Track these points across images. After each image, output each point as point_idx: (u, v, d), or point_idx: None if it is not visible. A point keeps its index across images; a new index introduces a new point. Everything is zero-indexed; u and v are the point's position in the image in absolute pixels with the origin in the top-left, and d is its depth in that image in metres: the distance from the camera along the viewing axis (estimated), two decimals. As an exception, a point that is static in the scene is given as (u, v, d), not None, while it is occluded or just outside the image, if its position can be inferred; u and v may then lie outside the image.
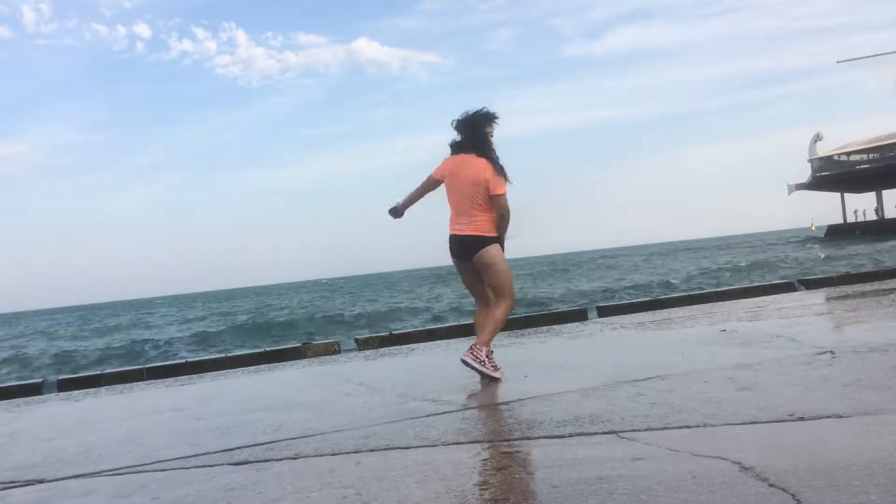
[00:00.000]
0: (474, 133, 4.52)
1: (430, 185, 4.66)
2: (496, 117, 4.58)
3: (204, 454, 3.22)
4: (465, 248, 4.48)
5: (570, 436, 2.91)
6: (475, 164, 4.43)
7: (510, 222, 4.51)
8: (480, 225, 4.42)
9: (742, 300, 8.33)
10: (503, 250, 4.52)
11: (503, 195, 4.43)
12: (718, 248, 59.55)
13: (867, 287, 8.47)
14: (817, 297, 7.98)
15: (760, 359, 4.23)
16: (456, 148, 4.58)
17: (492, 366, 4.41)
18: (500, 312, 4.49)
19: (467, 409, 3.63)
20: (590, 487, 2.24)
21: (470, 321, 9.97)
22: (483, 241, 4.43)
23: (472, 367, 4.35)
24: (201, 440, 3.53)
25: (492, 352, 4.51)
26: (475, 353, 4.38)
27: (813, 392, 3.28)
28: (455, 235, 4.51)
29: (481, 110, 4.55)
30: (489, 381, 4.33)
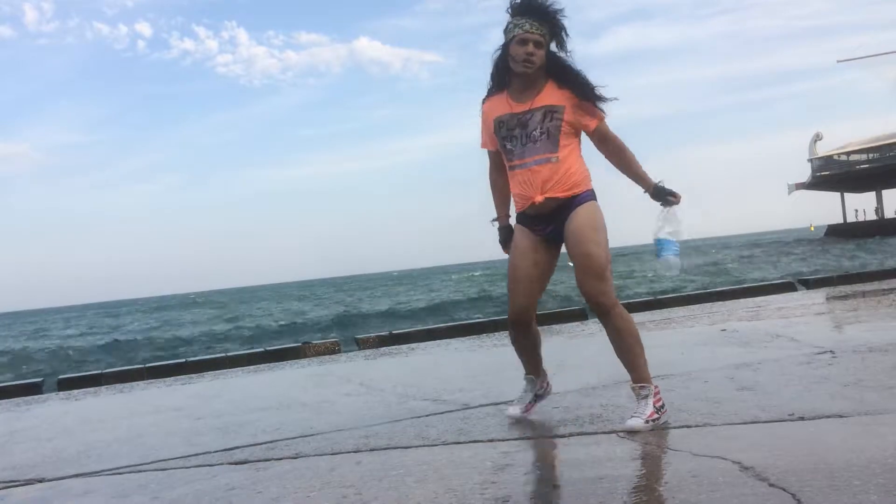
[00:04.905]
0: None
1: None
2: (510, 12, 3.03)
3: (204, 453, 3.22)
4: None
5: (570, 435, 2.91)
6: None
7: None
8: None
9: (742, 300, 8.33)
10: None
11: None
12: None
13: (867, 287, 8.47)
14: (817, 296, 7.98)
15: (760, 358, 4.23)
16: None
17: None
18: None
19: (467, 408, 3.63)
20: (590, 487, 2.23)
21: (472, 320, 9.97)
22: None
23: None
24: (201, 439, 3.53)
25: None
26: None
27: (813, 392, 3.28)
28: None
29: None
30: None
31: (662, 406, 2.98)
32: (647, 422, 2.89)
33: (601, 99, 3.01)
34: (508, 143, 3.08)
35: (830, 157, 57.48)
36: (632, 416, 2.94)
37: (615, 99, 3.04)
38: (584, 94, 3.00)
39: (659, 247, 3.10)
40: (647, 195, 3.11)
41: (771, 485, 2.07)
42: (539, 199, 3.02)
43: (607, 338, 3.15)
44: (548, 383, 3.45)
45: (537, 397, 3.38)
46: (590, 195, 3.09)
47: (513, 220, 3.30)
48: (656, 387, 3.02)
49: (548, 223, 3.10)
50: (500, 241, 3.35)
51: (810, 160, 57.94)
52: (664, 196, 3.07)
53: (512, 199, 3.23)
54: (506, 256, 3.29)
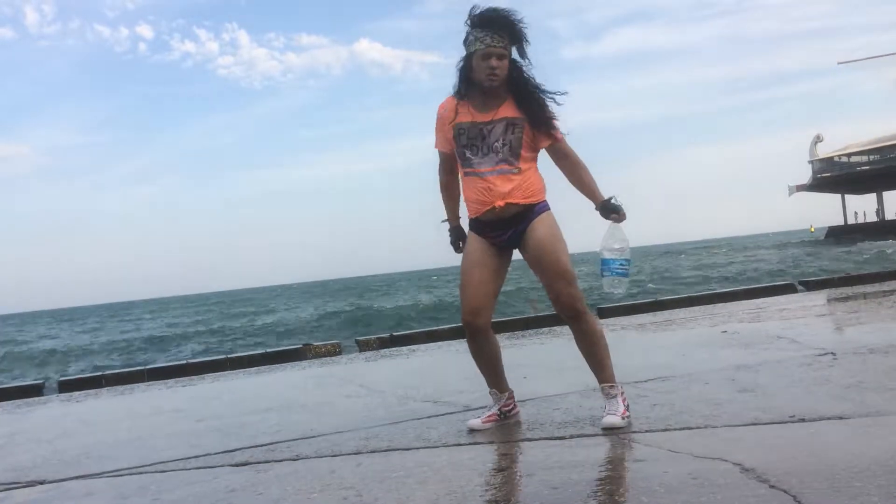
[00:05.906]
0: None
1: None
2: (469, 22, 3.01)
3: (204, 455, 3.23)
4: None
5: (571, 437, 2.91)
6: None
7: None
8: None
9: (743, 301, 8.32)
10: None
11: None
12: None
13: (868, 288, 8.47)
14: (818, 298, 7.98)
15: (761, 360, 4.23)
16: None
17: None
18: None
19: (468, 410, 3.62)
20: (590, 489, 2.23)
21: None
22: None
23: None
24: (202, 441, 3.54)
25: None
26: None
27: (814, 393, 3.27)
28: None
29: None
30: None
31: (628, 405, 3.09)
32: (623, 418, 2.99)
33: (553, 127, 3.04)
34: (468, 150, 3.07)
35: (831, 158, 57.56)
36: (607, 414, 3.01)
37: (567, 134, 3.09)
38: (538, 119, 3.02)
39: (604, 266, 3.09)
40: (596, 211, 3.14)
41: (771, 486, 2.07)
42: (500, 203, 3.01)
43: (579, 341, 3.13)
44: (515, 405, 3.35)
45: (503, 414, 3.28)
46: (546, 206, 3.13)
47: (464, 223, 3.31)
48: (622, 386, 3.12)
49: (504, 230, 3.09)
50: (451, 243, 3.36)
51: (811, 162, 58.02)
52: (609, 212, 3.09)
53: (464, 203, 3.21)
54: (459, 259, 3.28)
